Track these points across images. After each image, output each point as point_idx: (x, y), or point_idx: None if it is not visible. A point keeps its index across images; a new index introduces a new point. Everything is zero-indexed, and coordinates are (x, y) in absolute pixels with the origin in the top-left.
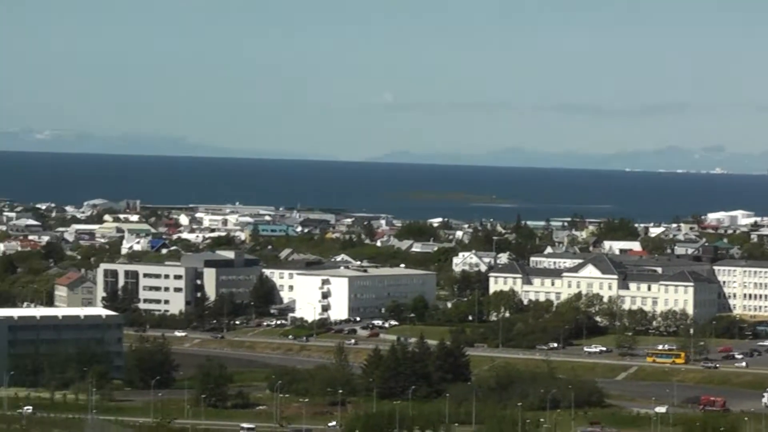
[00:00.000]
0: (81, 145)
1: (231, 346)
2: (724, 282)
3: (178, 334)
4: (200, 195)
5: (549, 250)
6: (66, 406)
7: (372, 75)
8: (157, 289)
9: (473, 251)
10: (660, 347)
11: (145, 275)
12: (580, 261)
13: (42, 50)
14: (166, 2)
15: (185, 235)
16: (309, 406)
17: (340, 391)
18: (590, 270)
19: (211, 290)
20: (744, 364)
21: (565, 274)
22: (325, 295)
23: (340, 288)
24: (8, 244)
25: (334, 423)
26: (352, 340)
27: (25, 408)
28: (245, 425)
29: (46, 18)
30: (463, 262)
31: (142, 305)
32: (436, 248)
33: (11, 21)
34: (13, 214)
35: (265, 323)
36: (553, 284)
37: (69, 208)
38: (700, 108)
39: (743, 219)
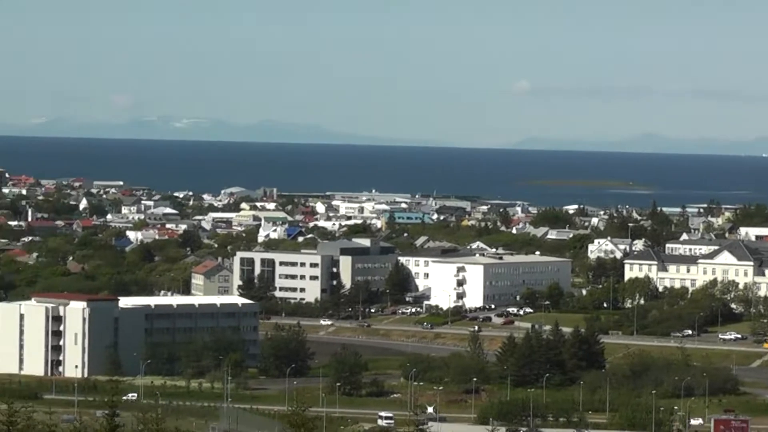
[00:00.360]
0: (218, 133)
1: (366, 334)
2: None
3: (324, 322)
4: (337, 183)
5: (684, 236)
6: (201, 394)
7: (508, 61)
8: (293, 277)
9: (608, 238)
10: None
11: (282, 263)
12: (716, 247)
13: (180, 40)
14: None
15: (321, 223)
16: (443, 393)
17: (474, 378)
18: (726, 256)
19: (346, 278)
20: None
21: (700, 260)
22: (460, 283)
23: (475, 275)
24: (146, 232)
25: (431, 410)
26: (475, 327)
27: (130, 395)
28: (383, 414)
29: (183, 9)
30: (598, 249)
31: (278, 293)
32: (571, 235)
33: (150, 14)
34: (150, 203)
35: (400, 311)
36: (688, 271)
37: (206, 197)
38: None
39: None
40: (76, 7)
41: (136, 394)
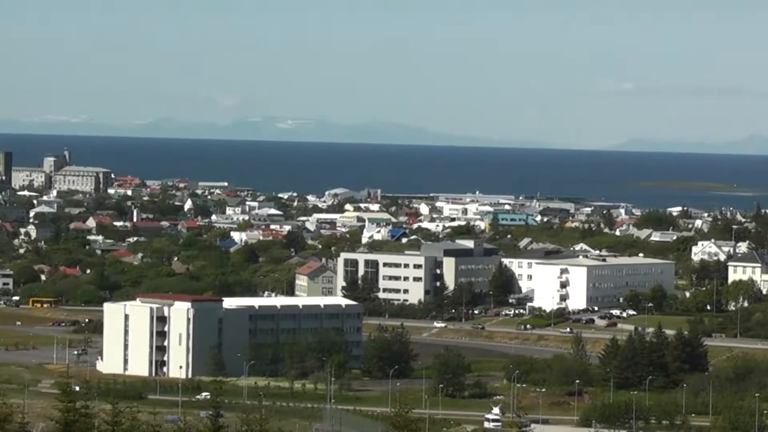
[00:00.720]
0: (322, 134)
1: (469, 336)
2: None
3: (437, 325)
4: (441, 184)
5: None
6: (305, 395)
7: (613, 62)
8: (397, 278)
9: (712, 240)
10: None
11: (385, 264)
12: None
13: (285, 41)
14: None
15: (425, 225)
16: (546, 396)
17: (577, 381)
18: None
19: (450, 279)
20: None
21: None
22: (564, 285)
23: (578, 277)
24: (250, 233)
25: (496, 410)
26: (566, 329)
27: (203, 394)
28: (490, 415)
29: (289, 9)
30: (702, 251)
31: (381, 295)
32: (675, 237)
33: (254, 14)
34: (255, 204)
35: (503, 312)
36: None
37: (310, 198)
38: None
39: None
40: (181, 8)
41: (207, 393)
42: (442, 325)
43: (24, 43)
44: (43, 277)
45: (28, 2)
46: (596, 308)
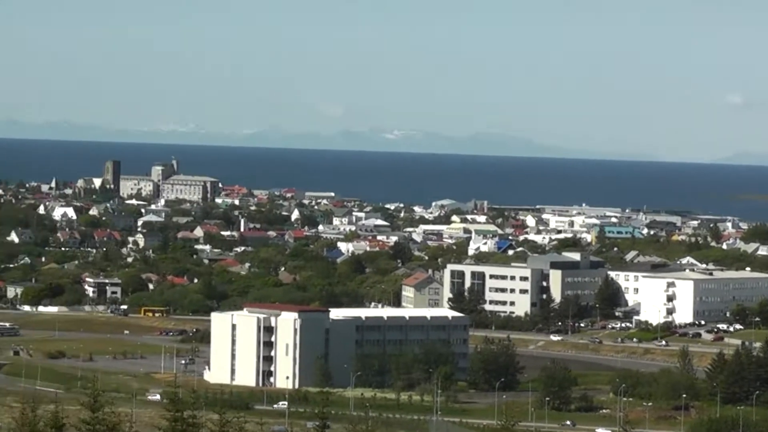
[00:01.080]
0: (429, 145)
1: (575, 349)
2: None
3: (554, 338)
4: (547, 196)
5: None
6: (411, 407)
7: (720, 74)
8: (503, 290)
9: None
10: None
11: (492, 276)
12: None
13: (392, 52)
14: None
15: (531, 237)
16: (652, 410)
17: (684, 395)
18: None
19: (556, 292)
20: None
21: None
22: (670, 298)
23: (685, 291)
24: (357, 244)
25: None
26: (662, 341)
27: (281, 403)
28: (600, 430)
29: (395, 21)
30: None
31: (487, 306)
32: None
33: (361, 26)
34: (362, 214)
35: (609, 326)
36: None
37: (417, 209)
38: None
39: None
40: (289, 19)
41: (285, 403)
42: (558, 338)
43: (134, 55)
44: (150, 286)
45: (141, 14)
46: (703, 322)
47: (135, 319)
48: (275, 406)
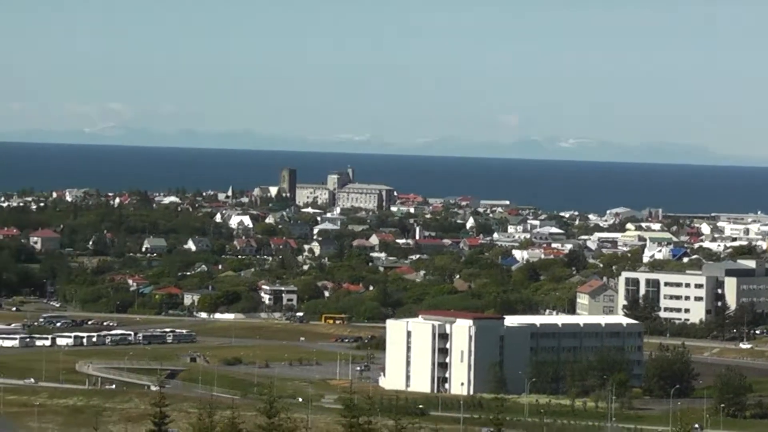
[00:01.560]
0: (604, 154)
1: (751, 356)
2: None
3: (743, 346)
4: (722, 204)
5: None
6: (585, 413)
7: None
8: (678, 297)
9: None
10: None
11: (666, 284)
12: None
13: (565, 63)
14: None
15: (706, 244)
16: None
17: None
18: None
19: (731, 299)
20: None
21: None
22: None
23: None
24: (532, 251)
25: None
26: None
27: (419, 405)
28: None
29: (575, 33)
30: None
31: (662, 314)
32: None
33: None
34: (537, 222)
35: None
36: None
37: (592, 216)
38: None
39: None
40: (464, 33)
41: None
42: (749, 346)
43: (311, 68)
44: (326, 294)
45: (324, 27)
46: None
47: (311, 326)
48: (420, 406)
